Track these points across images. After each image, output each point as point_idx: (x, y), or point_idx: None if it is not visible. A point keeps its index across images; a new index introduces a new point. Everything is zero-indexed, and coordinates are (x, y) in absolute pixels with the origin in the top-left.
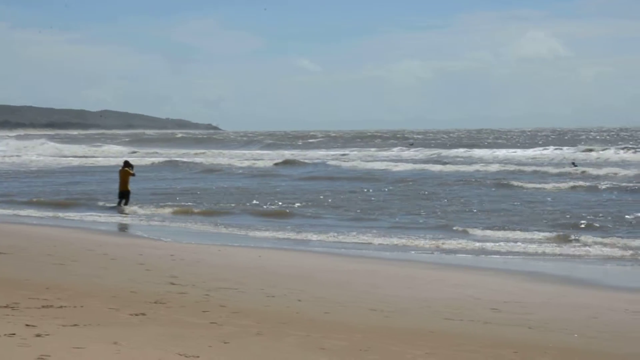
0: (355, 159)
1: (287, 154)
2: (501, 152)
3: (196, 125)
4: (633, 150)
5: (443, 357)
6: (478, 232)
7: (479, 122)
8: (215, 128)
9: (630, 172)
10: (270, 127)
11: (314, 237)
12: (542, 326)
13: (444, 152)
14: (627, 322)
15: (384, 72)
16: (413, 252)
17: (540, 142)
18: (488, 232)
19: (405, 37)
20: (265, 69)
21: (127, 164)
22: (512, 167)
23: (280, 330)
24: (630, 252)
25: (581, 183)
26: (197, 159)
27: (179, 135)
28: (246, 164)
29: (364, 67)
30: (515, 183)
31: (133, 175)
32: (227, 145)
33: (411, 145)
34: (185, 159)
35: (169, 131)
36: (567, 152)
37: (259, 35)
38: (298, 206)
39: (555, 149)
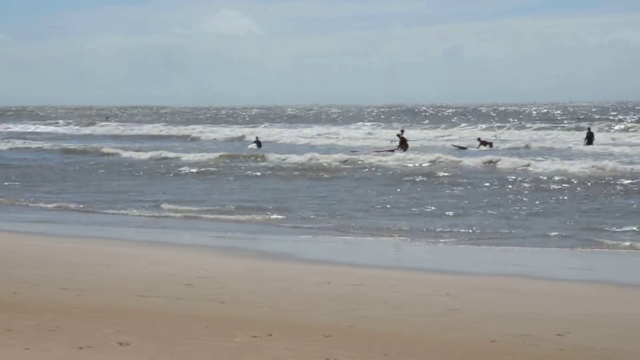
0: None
1: None
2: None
3: None
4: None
5: (133, 334)
6: None
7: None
8: None
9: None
10: None
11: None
12: (234, 300)
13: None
14: (317, 293)
15: (83, 47)
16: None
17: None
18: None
19: (104, 11)
20: None
21: None
22: None
23: None
24: (321, 227)
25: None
26: None
27: None
28: None
29: (61, 42)
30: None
31: None
32: None
33: (107, 118)
34: None
35: None
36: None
37: None
38: None
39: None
